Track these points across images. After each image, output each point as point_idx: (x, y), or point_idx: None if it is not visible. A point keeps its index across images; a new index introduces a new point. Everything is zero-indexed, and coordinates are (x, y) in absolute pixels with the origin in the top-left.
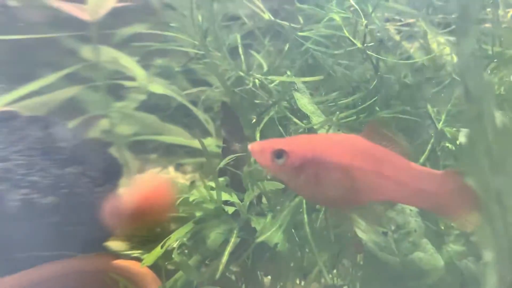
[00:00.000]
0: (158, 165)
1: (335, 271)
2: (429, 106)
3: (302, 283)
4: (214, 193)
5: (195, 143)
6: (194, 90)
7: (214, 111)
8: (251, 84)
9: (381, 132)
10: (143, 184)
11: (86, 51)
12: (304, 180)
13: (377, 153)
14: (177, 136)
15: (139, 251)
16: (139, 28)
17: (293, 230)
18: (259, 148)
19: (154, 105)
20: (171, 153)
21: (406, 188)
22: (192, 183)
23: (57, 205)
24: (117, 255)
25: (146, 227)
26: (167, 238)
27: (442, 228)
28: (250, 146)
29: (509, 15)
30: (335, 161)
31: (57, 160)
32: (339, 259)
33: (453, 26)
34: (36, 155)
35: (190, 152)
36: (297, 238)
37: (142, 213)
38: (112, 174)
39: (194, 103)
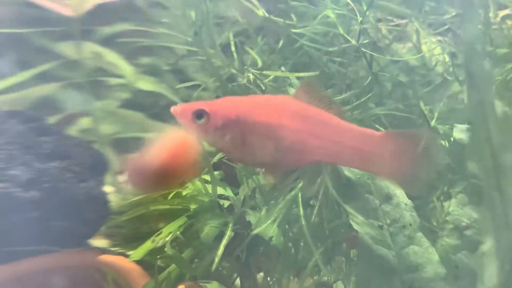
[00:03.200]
0: None
1: (329, 266)
2: (422, 104)
3: (296, 279)
4: (209, 186)
5: None
6: (190, 83)
7: None
8: (245, 80)
9: (314, 93)
10: (167, 141)
11: (68, 48)
12: (230, 141)
13: (309, 113)
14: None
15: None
16: (124, 25)
17: (287, 226)
18: (181, 109)
19: (140, 103)
20: None
21: (342, 148)
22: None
23: (39, 200)
24: (103, 250)
25: (172, 185)
26: (158, 233)
27: (435, 224)
28: (172, 108)
29: (499, 16)
30: (261, 121)
31: (39, 154)
32: (333, 254)
33: (445, 27)
34: (16, 149)
35: None
36: (291, 233)
37: (168, 171)
38: (97, 169)
39: (185, 102)
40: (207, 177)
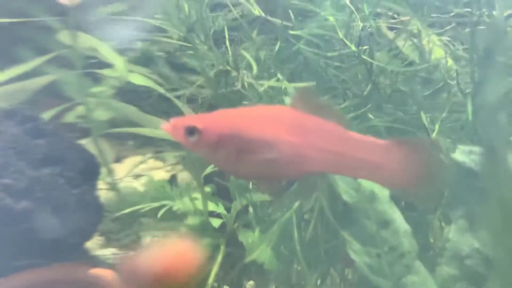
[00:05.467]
0: (136, 154)
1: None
2: (422, 114)
3: None
4: (199, 203)
5: None
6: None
7: (198, 102)
8: (239, 85)
9: (311, 101)
10: (166, 249)
11: (63, 37)
12: (224, 157)
13: (307, 123)
14: (157, 127)
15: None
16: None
17: (282, 247)
18: (172, 125)
19: (133, 90)
20: (150, 141)
21: (344, 159)
22: (173, 176)
23: (30, 211)
24: (94, 263)
25: None
26: None
27: (436, 249)
28: (162, 125)
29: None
30: (256, 136)
31: (33, 160)
32: (328, 274)
33: (449, 27)
34: (10, 155)
35: (171, 142)
36: (286, 252)
37: (162, 281)
38: (89, 173)
39: (176, 90)
40: (198, 195)
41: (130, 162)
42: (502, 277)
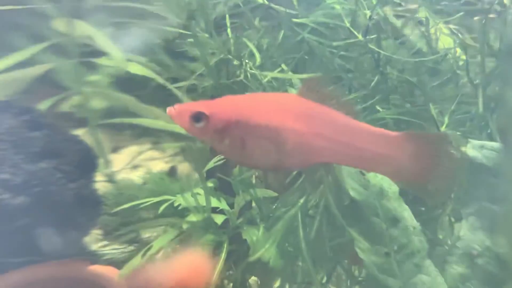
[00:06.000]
0: (134, 144)
1: (329, 285)
2: (431, 106)
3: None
4: (202, 200)
5: (175, 127)
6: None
7: (198, 92)
8: (242, 76)
9: (321, 90)
10: (178, 263)
11: (60, 25)
12: (230, 143)
13: (315, 112)
14: (156, 117)
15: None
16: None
17: (287, 244)
18: (178, 110)
19: (130, 79)
20: (148, 131)
21: (353, 149)
22: (172, 168)
23: (28, 207)
24: (93, 259)
25: None
26: (148, 246)
27: (445, 246)
28: (168, 109)
29: None
30: (263, 123)
31: (30, 153)
32: (334, 271)
33: (458, 15)
34: (7, 149)
35: (170, 132)
36: (291, 249)
37: None
38: (86, 166)
39: (175, 79)
40: (200, 190)
41: (128, 152)
42: None
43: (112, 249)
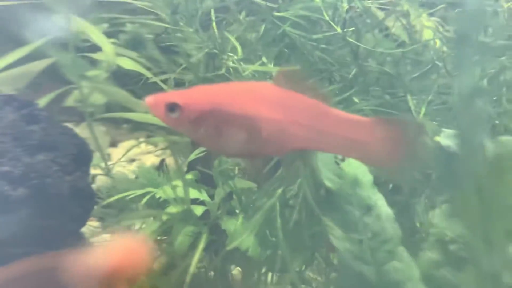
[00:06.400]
0: (131, 137)
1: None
2: (409, 97)
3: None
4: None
5: None
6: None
7: (186, 86)
8: (224, 70)
9: (295, 78)
10: (116, 248)
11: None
12: (205, 133)
13: (290, 100)
14: (147, 111)
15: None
16: None
17: (266, 231)
18: (153, 101)
19: (126, 74)
20: (143, 125)
21: (327, 136)
22: (162, 161)
23: (27, 198)
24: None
25: None
26: None
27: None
28: (146, 99)
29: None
30: (237, 112)
31: (28, 146)
32: (312, 259)
33: (439, 7)
34: (8, 141)
35: (162, 125)
36: (270, 238)
37: (112, 281)
38: (82, 159)
39: (165, 73)
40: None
41: (125, 146)
42: (478, 264)
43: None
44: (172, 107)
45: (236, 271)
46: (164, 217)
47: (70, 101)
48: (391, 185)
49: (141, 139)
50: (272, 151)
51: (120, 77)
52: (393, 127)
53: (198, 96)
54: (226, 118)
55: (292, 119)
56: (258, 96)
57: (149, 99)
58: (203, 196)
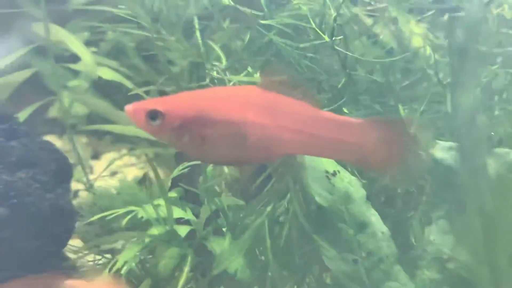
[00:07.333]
0: (113, 149)
1: None
2: (400, 107)
3: None
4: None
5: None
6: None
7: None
8: (208, 80)
9: (282, 81)
10: None
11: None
12: (189, 141)
13: (277, 104)
14: (129, 123)
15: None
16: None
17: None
18: (133, 109)
19: (108, 84)
20: (126, 137)
21: (317, 139)
22: (145, 175)
23: (6, 219)
24: (68, 274)
25: None
26: (114, 261)
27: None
28: (125, 108)
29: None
30: (222, 119)
31: (8, 163)
32: (304, 280)
33: (427, 14)
34: None
35: (145, 138)
36: (259, 257)
37: None
38: (62, 176)
39: (148, 83)
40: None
41: (108, 158)
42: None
43: (88, 261)
44: (153, 115)
45: None
46: (147, 240)
47: (53, 112)
48: (383, 198)
49: (124, 151)
50: (261, 158)
51: (102, 87)
52: (383, 128)
53: (181, 102)
54: (211, 124)
55: (281, 123)
56: (243, 100)
57: (129, 107)
58: (188, 215)
